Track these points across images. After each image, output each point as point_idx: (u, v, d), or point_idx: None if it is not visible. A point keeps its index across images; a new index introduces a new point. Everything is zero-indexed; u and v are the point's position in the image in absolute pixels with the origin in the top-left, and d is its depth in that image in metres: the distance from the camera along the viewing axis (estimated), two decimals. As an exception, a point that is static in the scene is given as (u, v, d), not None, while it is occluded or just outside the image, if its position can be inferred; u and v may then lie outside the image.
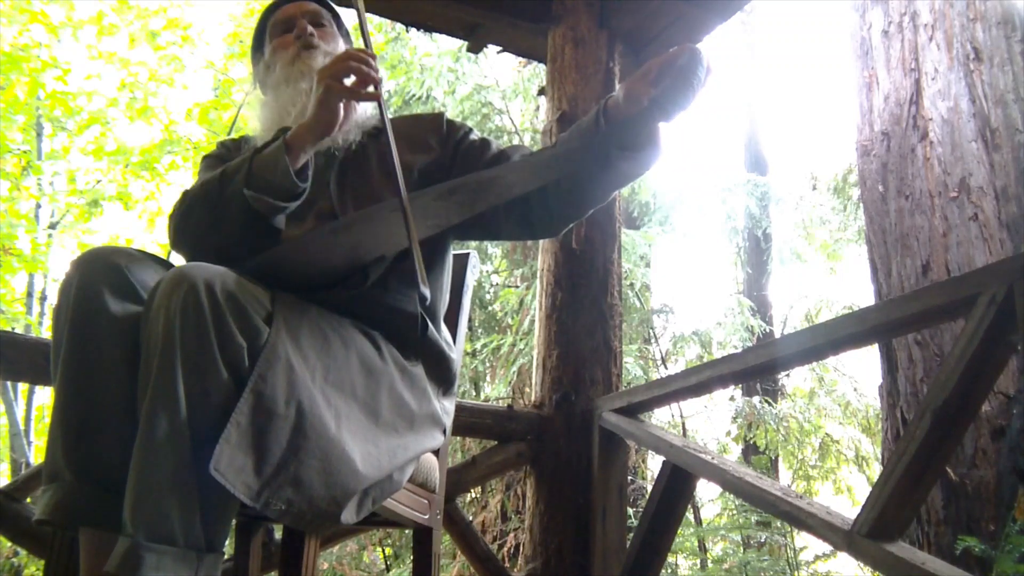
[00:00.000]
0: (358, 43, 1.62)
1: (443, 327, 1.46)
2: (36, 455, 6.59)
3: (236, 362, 1.04)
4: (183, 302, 1.02)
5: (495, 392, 4.84)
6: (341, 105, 1.23)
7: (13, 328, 7.40)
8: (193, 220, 1.30)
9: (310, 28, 1.48)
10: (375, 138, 1.47)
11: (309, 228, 1.35)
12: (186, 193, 1.34)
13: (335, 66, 1.23)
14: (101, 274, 1.12)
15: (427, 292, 1.15)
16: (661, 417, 5.52)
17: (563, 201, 1.34)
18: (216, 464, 0.98)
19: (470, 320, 5.07)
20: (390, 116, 1.26)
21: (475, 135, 1.50)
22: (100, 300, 1.10)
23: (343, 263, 1.24)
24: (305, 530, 1.18)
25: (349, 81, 1.22)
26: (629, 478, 3.07)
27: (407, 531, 2.55)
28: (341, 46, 1.52)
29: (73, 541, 1.15)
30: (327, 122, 1.23)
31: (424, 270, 1.15)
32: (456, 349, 1.53)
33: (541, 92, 2.80)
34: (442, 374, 1.41)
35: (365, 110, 1.48)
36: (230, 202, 1.25)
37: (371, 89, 1.22)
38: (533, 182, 1.27)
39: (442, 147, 1.47)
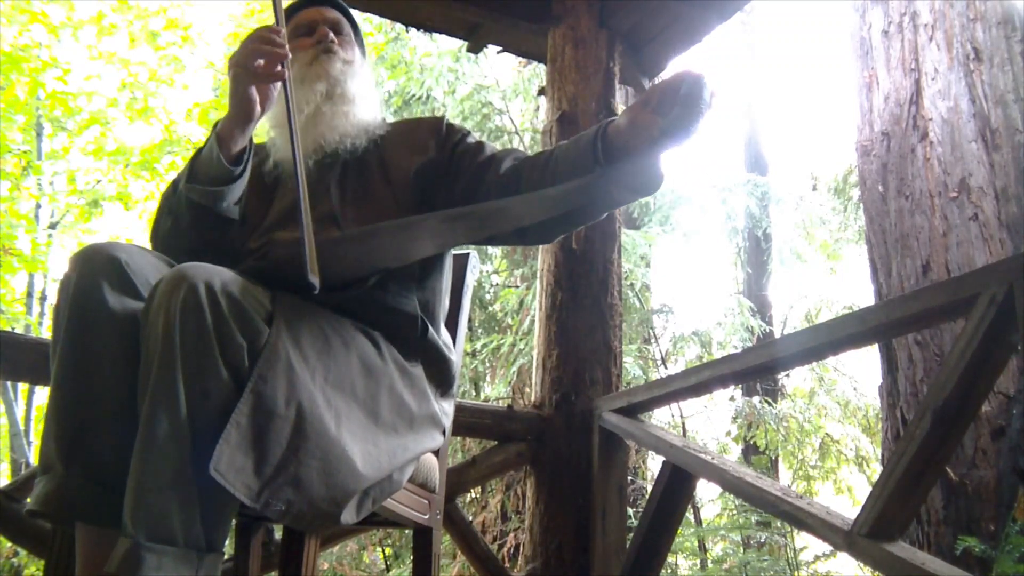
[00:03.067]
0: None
1: (443, 328, 1.47)
2: (36, 455, 6.58)
3: (236, 362, 1.04)
4: (183, 302, 1.02)
5: (495, 392, 4.84)
6: (252, 89, 1.23)
7: (13, 328, 7.40)
8: (160, 228, 1.36)
9: (331, 35, 1.50)
10: (379, 145, 1.48)
11: None
12: (155, 209, 1.40)
13: (241, 51, 1.24)
14: (100, 269, 1.13)
15: (315, 282, 1.12)
16: (661, 417, 5.52)
17: (559, 217, 1.34)
18: (216, 464, 0.98)
19: (470, 320, 5.07)
20: (294, 95, 1.27)
21: (472, 138, 1.50)
22: (99, 295, 1.10)
23: (347, 274, 1.25)
24: (305, 530, 1.18)
25: (259, 63, 1.22)
26: (629, 478, 3.07)
27: (407, 531, 2.55)
28: (358, 56, 1.54)
29: (73, 540, 1.15)
30: (244, 109, 1.24)
31: (315, 259, 1.14)
32: (456, 350, 1.53)
33: (541, 92, 2.80)
34: (441, 375, 1.41)
35: (375, 116, 1.50)
36: (180, 201, 1.30)
37: (278, 69, 1.23)
38: (540, 215, 1.28)
39: (439, 149, 1.48)
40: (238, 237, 1.37)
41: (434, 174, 1.44)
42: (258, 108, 1.25)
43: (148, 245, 1.39)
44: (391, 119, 1.61)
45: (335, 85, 1.45)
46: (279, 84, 1.27)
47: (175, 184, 1.34)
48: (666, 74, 3.06)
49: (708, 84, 1.15)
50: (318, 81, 1.44)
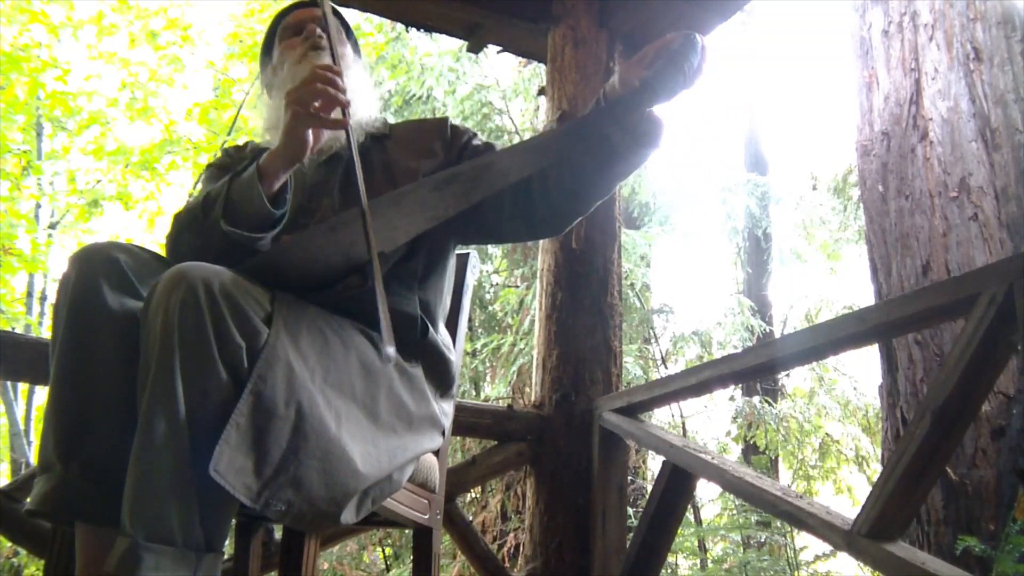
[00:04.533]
0: (366, 53, 1.63)
1: (443, 329, 1.46)
2: (36, 455, 6.57)
3: (235, 362, 1.03)
4: (182, 302, 1.01)
5: (495, 392, 4.84)
6: (309, 132, 1.21)
7: (13, 328, 7.40)
8: (183, 245, 1.32)
9: (319, 31, 1.48)
10: (379, 141, 1.47)
11: None
12: (177, 216, 1.35)
13: (302, 89, 1.21)
14: (100, 268, 1.12)
15: (391, 353, 1.09)
16: (661, 417, 5.52)
17: (566, 195, 1.34)
18: (216, 465, 0.98)
19: (470, 320, 5.07)
20: (356, 140, 1.25)
21: (479, 140, 1.50)
22: (98, 294, 1.10)
23: (341, 260, 1.24)
24: (305, 530, 1.18)
25: (318, 103, 1.20)
26: (629, 478, 3.07)
27: (407, 531, 2.55)
28: (349, 52, 1.53)
29: (72, 540, 1.15)
30: (296, 150, 1.22)
31: (382, 283, 1.11)
32: (456, 350, 1.52)
33: (541, 92, 2.80)
34: (441, 376, 1.41)
35: (372, 113, 1.50)
36: (212, 231, 1.25)
37: (338, 115, 1.21)
38: (530, 166, 1.26)
39: (446, 152, 1.47)
40: None
41: None
42: (310, 150, 1.23)
43: (164, 250, 1.36)
44: (391, 119, 1.61)
45: None
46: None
47: (205, 204, 1.28)
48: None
49: (699, 45, 1.16)
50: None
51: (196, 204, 1.31)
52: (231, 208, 1.24)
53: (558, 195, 1.34)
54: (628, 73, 1.21)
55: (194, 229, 1.29)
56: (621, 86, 1.23)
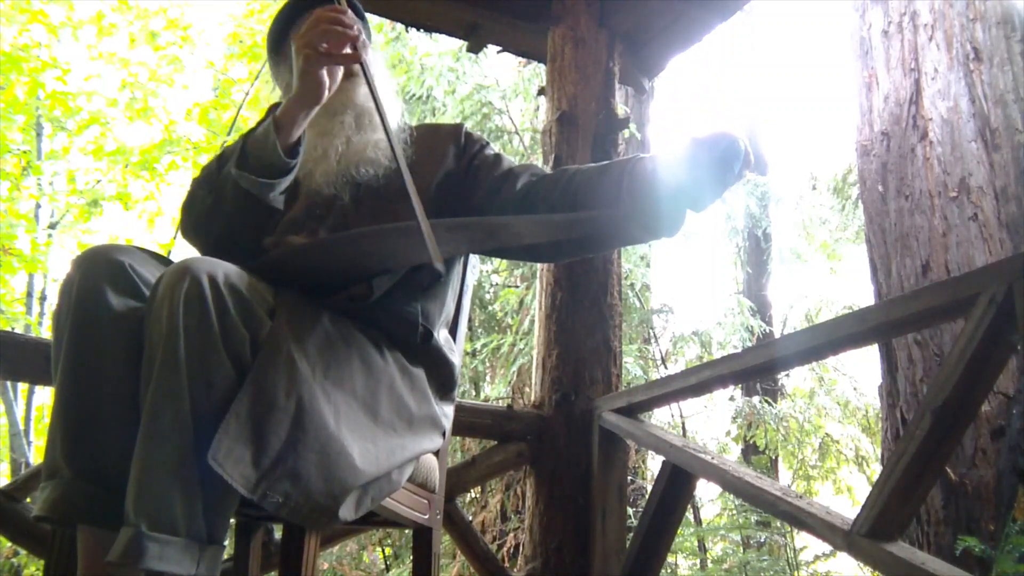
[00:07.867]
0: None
1: (445, 333, 1.46)
2: (36, 455, 6.58)
3: (239, 353, 1.04)
4: (186, 294, 1.02)
5: (495, 392, 4.84)
6: (324, 72, 1.20)
7: (13, 328, 7.40)
8: (196, 204, 1.32)
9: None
10: (396, 171, 1.45)
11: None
12: (194, 180, 1.36)
13: (309, 32, 1.20)
14: (103, 271, 1.12)
15: (441, 268, 1.10)
16: (661, 417, 5.52)
17: (572, 244, 1.34)
18: (214, 454, 0.98)
19: (470, 320, 5.07)
20: (373, 74, 1.22)
21: (491, 150, 1.49)
22: (102, 297, 1.10)
23: (348, 273, 1.25)
24: (303, 525, 1.17)
25: (327, 44, 1.19)
26: (629, 478, 3.07)
27: (407, 531, 2.55)
28: (376, 63, 1.48)
29: (73, 540, 1.15)
30: (315, 93, 1.21)
31: (436, 246, 1.11)
32: (456, 351, 1.53)
33: (541, 92, 2.80)
34: (443, 378, 1.41)
35: (397, 126, 1.44)
36: (225, 182, 1.26)
37: (348, 50, 1.20)
38: (541, 237, 1.27)
39: (458, 160, 1.46)
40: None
41: (452, 186, 1.43)
42: (327, 92, 1.22)
43: (179, 219, 1.37)
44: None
45: (363, 113, 1.40)
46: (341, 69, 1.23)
47: (220, 161, 1.29)
48: (667, 74, 3.06)
49: (743, 152, 1.16)
50: (345, 111, 1.38)
51: (212, 161, 1.32)
52: (244, 160, 1.24)
53: (565, 242, 1.34)
54: (666, 169, 1.20)
55: (208, 185, 1.30)
56: (656, 178, 1.22)
